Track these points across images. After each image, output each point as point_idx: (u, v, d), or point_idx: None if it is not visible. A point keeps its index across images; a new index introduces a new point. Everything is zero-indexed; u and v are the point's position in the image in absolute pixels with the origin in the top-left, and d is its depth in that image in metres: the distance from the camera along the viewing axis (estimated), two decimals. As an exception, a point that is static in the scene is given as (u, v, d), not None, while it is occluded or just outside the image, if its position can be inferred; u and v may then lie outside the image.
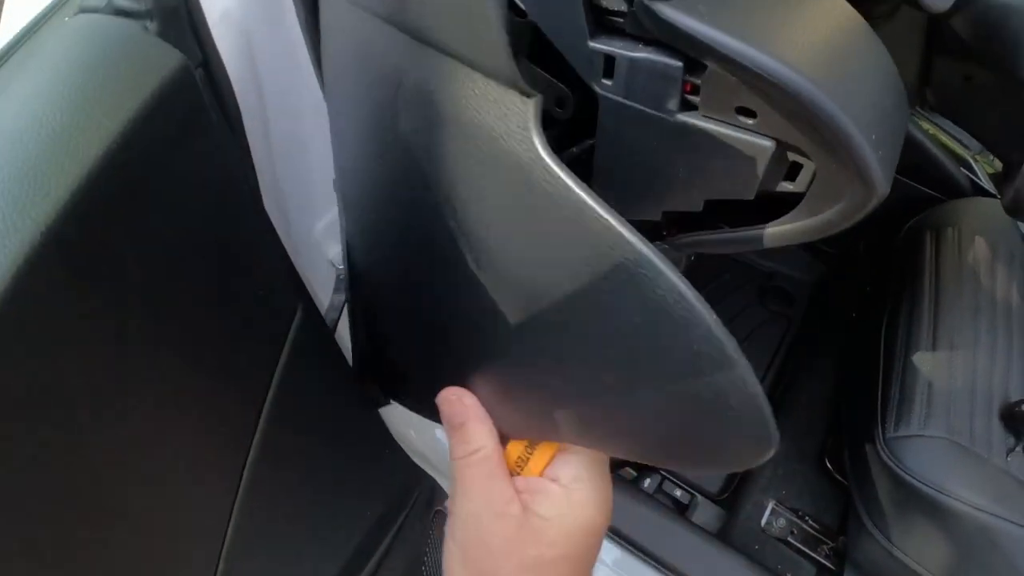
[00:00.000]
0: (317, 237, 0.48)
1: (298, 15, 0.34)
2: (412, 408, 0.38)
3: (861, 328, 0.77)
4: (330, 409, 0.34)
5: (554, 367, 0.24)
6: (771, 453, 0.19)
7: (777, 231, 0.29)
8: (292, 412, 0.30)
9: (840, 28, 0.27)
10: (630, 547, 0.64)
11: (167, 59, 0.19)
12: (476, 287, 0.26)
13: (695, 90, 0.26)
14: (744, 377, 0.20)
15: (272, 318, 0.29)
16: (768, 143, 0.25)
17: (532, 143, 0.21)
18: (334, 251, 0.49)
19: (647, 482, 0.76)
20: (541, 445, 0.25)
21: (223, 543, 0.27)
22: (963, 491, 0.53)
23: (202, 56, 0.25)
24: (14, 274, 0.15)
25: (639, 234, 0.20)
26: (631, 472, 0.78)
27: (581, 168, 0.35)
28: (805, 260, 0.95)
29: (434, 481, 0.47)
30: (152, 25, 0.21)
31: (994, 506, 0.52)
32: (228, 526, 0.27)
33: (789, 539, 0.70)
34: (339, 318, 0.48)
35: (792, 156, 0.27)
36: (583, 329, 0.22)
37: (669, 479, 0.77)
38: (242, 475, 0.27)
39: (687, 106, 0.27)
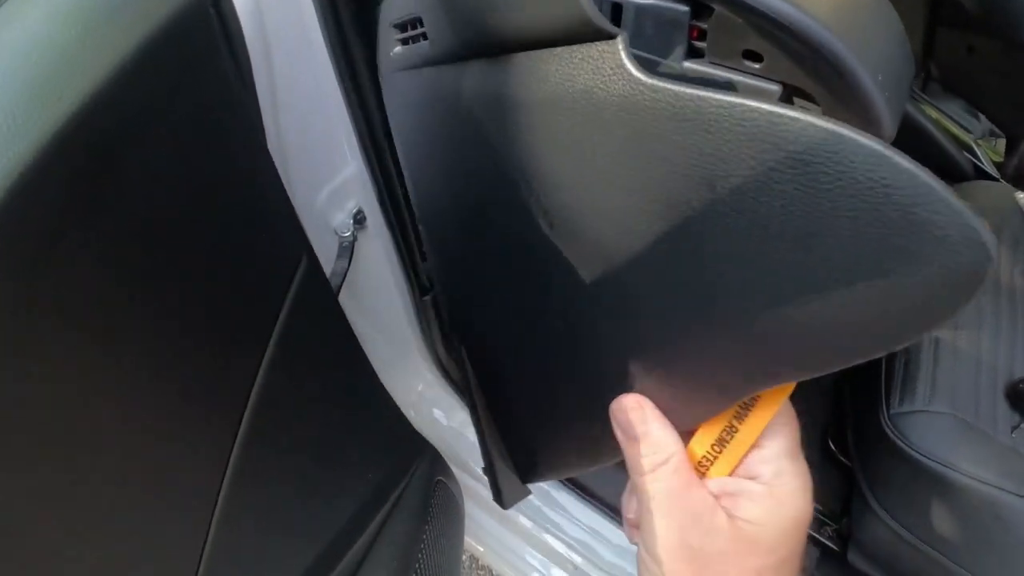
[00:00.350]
0: (321, 206, 0.48)
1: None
2: (555, 476, 0.35)
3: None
4: (329, 368, 0.34)
5: (719, 315, 0.20)
6: (991, 263, 0.15)
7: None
8: (291, 363, 0.29)
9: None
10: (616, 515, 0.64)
11: (182, -9, 0.19)
12: (605, 280, 0.23)
13: (702, 36, 0.26)
14: (937, 189, 0.16)
15: (276, 265, 0.29)
16: (775, 87, 0.26)
17: (631, 74, 0.19)
18: (338, 219, 0.49)
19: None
20: (732, 442, 0.22)
21: (217, 496, 0.27)
22: (969, 466, 0.53)
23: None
24: (19, 174, 0.15)
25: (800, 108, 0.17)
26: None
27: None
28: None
29: (436, 452, 0.47)
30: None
31: (1000, 480, 0.51)
32: (224, 476, 0.26)
33: (793, 521, 0.70)
34: (342, 283, 0.48)
35: (798, 102, 0.27)
36: (754, 243, 0.18)
37: (672, 462, 0.77)
38: (240, 423, 0.27)
39: (694, 53, 0.27)
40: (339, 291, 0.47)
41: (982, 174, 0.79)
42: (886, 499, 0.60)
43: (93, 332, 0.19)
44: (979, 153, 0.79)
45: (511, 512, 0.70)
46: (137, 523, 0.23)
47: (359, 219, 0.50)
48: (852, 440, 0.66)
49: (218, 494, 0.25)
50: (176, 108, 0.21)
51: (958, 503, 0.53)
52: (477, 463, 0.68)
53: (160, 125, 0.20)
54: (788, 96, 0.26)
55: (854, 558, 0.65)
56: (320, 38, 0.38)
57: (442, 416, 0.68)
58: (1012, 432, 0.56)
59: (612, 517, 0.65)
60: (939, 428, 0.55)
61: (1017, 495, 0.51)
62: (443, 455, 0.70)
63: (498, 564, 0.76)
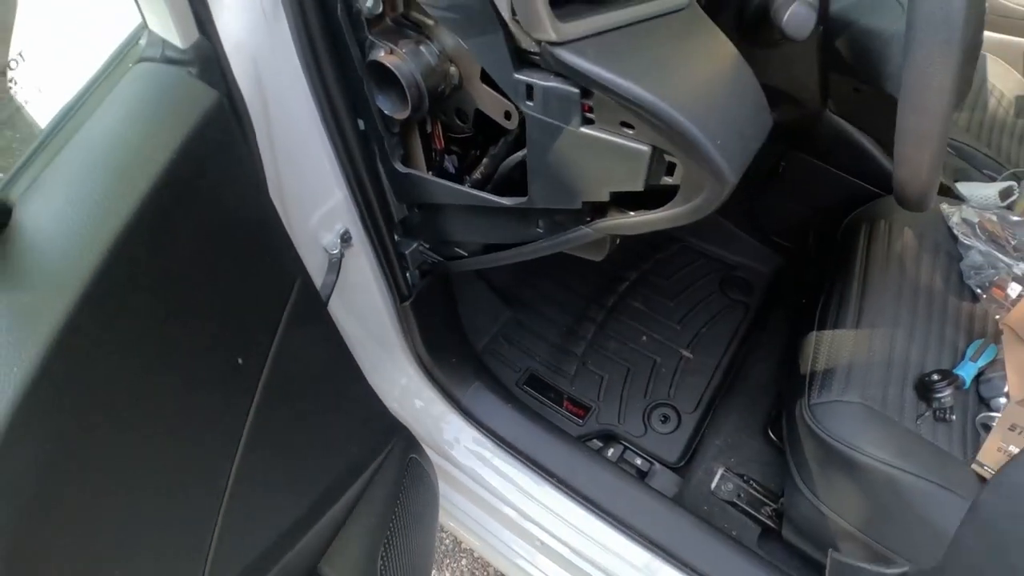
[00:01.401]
0: (313, 227, 0.56)
1: (297, 40, 0.43)
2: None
3: (804, 313, 0.85)
4: (319, 364, 0.42)
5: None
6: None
7: (666, 215, 0.37)
8: (290, 360, 0.38)
9: (701, 59, 0.35)
10: (595, 509, 0.72)
11: (205, 98, 0.27)
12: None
13: (592, 109, 0.34)
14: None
15: (276, 286, 0.37)
16: (645, 148, 0.34)
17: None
18: (327, 239, 0.58)
19: (611, 451, 0.84)
20: None
21: (233, 459, 0.35)
22: (872, 448, 0.61)
23: (226, 87, 0.34)
24: (121, 228, 0.23)
25: None
26: (597, 443, 0.86)
27: (521, 170, 0.43)
28: (764, 252, 1.03)
29: (410, 434, 0.55)
30: (194, 70, 0.29)
31: (897, 460, 0.59)
32: (239, 444, 0.35)
33: (736, 501, 0.78)
34: (331, 293, 0.56)
35: (668, 157, 0.35)
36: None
37: (631, 449, 0.85)
38: (251, 405, 0.35)
39: (588, 121, 0.35)
40: (328, 300, 0.56)
41: (910, 189, 0.87)
42: (808, 479, 0.68)
43: (145, 332, 0.28)
44: (907, 170, 0.87)
45: (489, 497, 0.78)
46: (169, 479, 0.31)
47: (345, 238, 0.58)
48: (784, 427, 0.74)
49: (234, 457, 0.33)
50: (206, 176, 0.29)
51: (864, 481, 0.61)
52: (453, 448, 0.76)
53: (196, 190, 0.28)
54: (660, 154, 0.35)
55: (788, 534, 0.73)
56: (308, 98, 0.46)
57: (422, 405, 0.76)
58: (917, 420, 0.64)
59: (576, 500, 0.73)
60: (849, 415, 0.63)
61: (913, 474, 0.58)
62: (423, 441, 0.78)
63: (478, 545, 0.84)
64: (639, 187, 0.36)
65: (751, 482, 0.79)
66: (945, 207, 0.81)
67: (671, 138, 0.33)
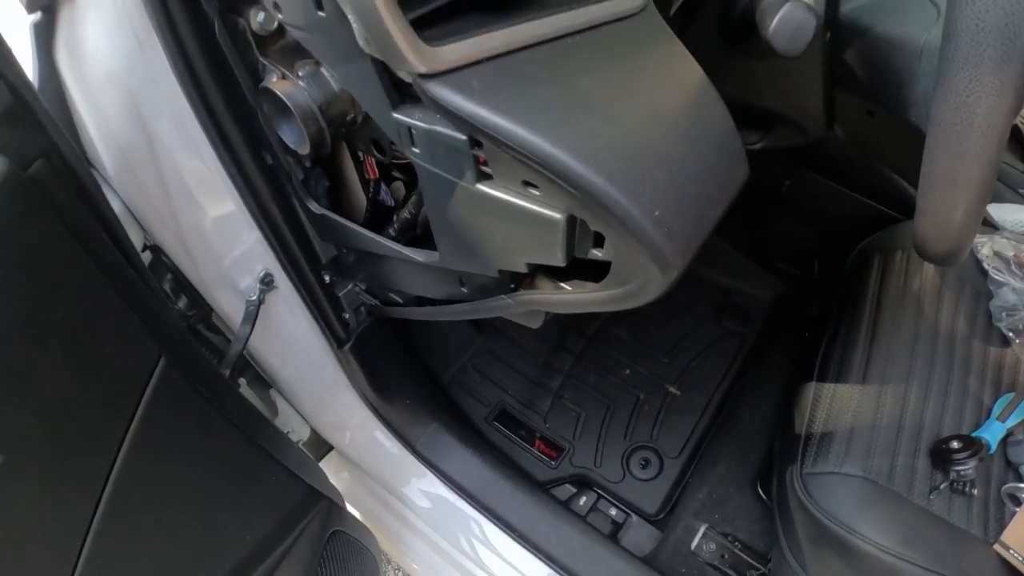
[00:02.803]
0: (225, 271, 0.49)
1: (174, 68, 0.35)
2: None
3: (804, 354, 0.76)
4: (199, 443, 0.36)
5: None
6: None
7: (597, 296, 0.29)
8: (154, 444, 0.31)
9: (644, 89, 0.26)
10: (557, 568, 0.65)
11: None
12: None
13: (487, 162, 0.26)
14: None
15: (126, 368, 0.30)
16: (558, 215, 0.26)
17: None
18: (245, 283, 0.51)
19: (583, 500, 0.77)
20: None
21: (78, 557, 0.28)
22: (872, 532, 0.52)
23: (46, 143, 0.27)
24: None
25: None
26: (570, 489, 0.79)
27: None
28: (764, 278, 0.93)
29: (331, 504, 0.49)
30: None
31: (901, 548, 0.51)
32: (83, 543, 0.28)
33: (718, 564, 0.70)
34: (243, 348, 0.50)
35: (594, 227, 0.27)
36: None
37: (605, 498, 0.77)
38: (100, 498, 0.28)
39: (484, 176, 0.27)
40: (239, 355, 0.49)
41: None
42: (798, 552, 0.59)
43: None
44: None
45: (447, 547, 0.72)
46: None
47: (267, 281, 0.51)
48: (775, 491, 0.65)
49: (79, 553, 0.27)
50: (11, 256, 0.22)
51: (861, 567, 0.53)
52: (408, 491, 0.70)
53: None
54: (578, 222, 0.26)
55: (773, 605, 0.65)
56: (199, 131, 0.39)
57: (375, 448, 0.70)
58: (930, 494, 0.55)
59: (538, 556, 0.66)
60: (847, 491, 0.55)
61: (919, 566, 0.50)
62: (378, 481, 0.72)
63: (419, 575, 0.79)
64: (559, 262, 0.28)
65: (736, 542, 0.71)
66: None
67: (587, 207, 0.24)
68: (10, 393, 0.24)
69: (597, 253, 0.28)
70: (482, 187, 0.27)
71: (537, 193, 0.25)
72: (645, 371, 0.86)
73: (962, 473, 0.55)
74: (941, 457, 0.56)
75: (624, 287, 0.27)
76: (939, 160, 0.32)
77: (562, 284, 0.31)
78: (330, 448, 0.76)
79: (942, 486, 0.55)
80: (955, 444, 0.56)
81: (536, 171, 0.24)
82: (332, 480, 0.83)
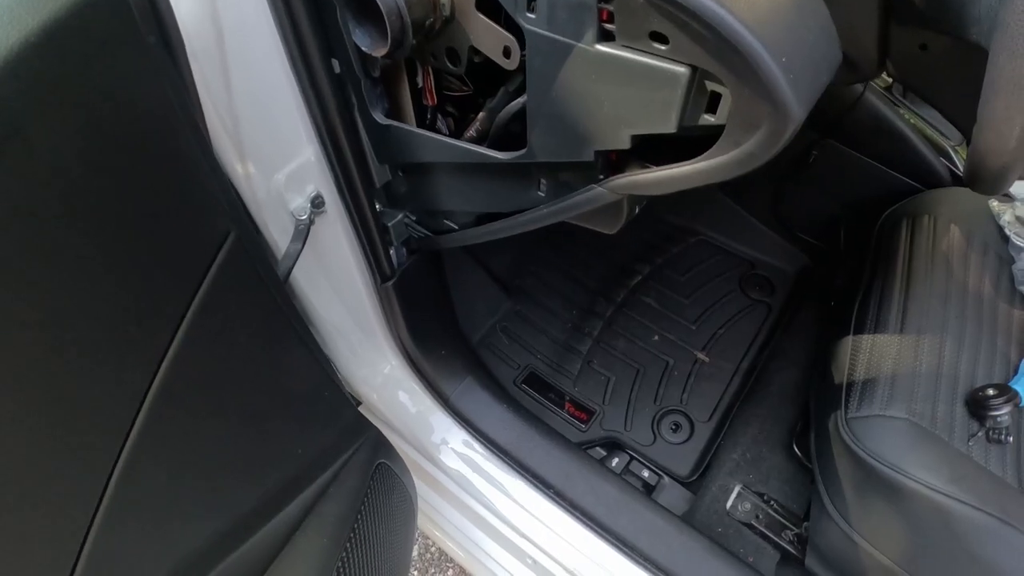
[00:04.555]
0: (278, 187, 0.48)
1: None
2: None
3: (836, 316, 0.77)
4: (259, 342, 0.35)
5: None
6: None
7: (704, 166, 0.29)
8: (214, 332, 0.30)
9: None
10: (593, 525, 0.64)
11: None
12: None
13: (611, 18, 0.27)
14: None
15: (196, 240, 0.29)
16: (682, 69, 0.26)
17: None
18: (296, 203, 0.50)
19: (615, 462, 0.76)
20: None
21: (119, 454, 0.26)
22: (920, 472, 0.52)
23: None
24: None
25: None
26: (600, 451, 0.78)
27: (521, 122, 0.36)
28: (789, 250, 0.94)
29: (380, 435, 0.47)
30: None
31: (950, 487, 0.51)
32: (129, 433, 0.27)
33: (753, 523, 0.69)
34: (293, 265, 0.49)
35: (711, 86, 0.27)
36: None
37: (637, 459, 0.76)
38: (152, 382, 0.27)
39: (606, 36, 0.27)
40: (289, 272, 0.48)
41: (959, 180, 0.78)
42: (841, 503, 0.59)
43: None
44: (956, 159, 0.79)
45: (476, 506, 0.70)
46: (41, 462, 0.24)
47: (317, 203, 0.50)
48: (813, 443, 0.65)
49: (119, 452, 0.26)
50: (86, 83, 0.21)
51: (908, 509, 0.53)
52: (438, 449, 0.69)
53: (67, 97, 0.21)
54: (700, 81, 0.27)
55: (811, 563, 0.65)
56: (272, 31, 0.39)
57: (406, 399, 0.68)
58: (969, 441, 0.55)
59: (573, 514, 0.65)
60: (893, 433, 0.55)
61: (966, 504, 0.50)
62: (405, 438, 0.70)
63: (463, 557, 0.76)
64: (671, 127, 0.28)
65: (771, 502, 0.71)
66: (995, 204, 0.72)
67: (721, 54, 0.25)
68: (79, 232, 0.23)
69: (709, 118, 0.28)
70: (602, 47, 0.27)
71: (662, 48, 0.26)
72: (673, 337, 0.86)
73: (998, 420, 0.56)
74: (978, 404, 0.57)
75: (737, 148, 0.27)
76: (1004, 65, 0.33)
77: (655, 167, 0.32)
78: (358, 404, 0.74)
79: (979, 433, 0.56)
80: (991, 391, 0.57)
81: (670, 15, 0.24)
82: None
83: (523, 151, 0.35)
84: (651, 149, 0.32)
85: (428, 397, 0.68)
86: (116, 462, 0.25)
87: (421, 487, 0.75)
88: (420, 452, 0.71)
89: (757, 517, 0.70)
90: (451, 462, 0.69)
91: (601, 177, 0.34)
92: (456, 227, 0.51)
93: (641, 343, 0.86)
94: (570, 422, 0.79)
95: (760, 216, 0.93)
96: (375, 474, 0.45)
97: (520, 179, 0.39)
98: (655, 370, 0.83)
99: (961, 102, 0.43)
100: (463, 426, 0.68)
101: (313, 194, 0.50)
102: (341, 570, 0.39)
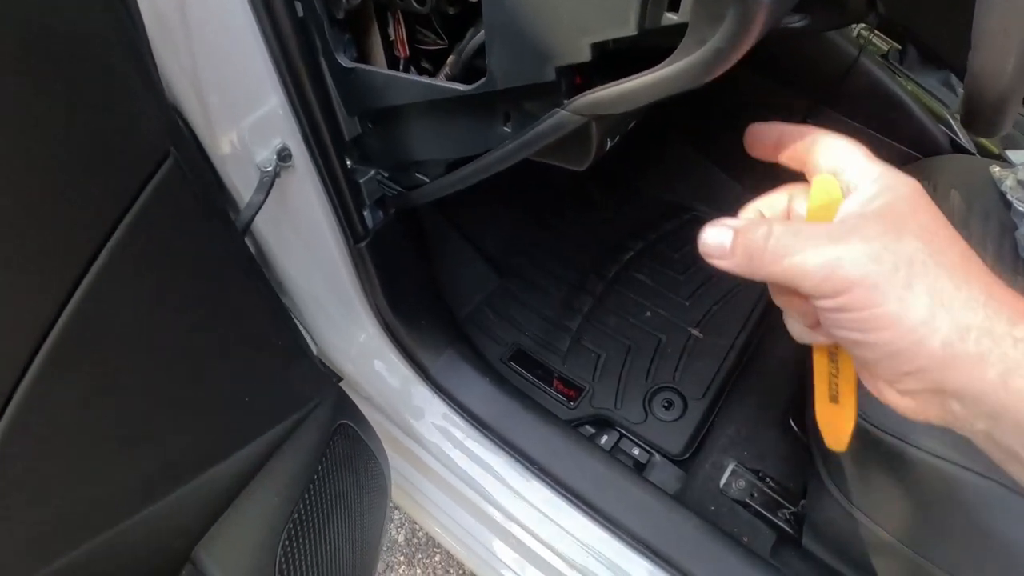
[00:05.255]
0: (242, 138, 0.47)
1: None
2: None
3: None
4: (202, 280, 0.32)
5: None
6: None
7: (669, 72, 0.27)
8: (143, 263, 0.27)
9: None
10: (580, 504, 0.61)
11: None
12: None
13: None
14: None
15: (130, 157, 0.27)
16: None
17: None
18: (262, 156, 0.48)
19: (604, 439, 0.73)
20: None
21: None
22: (925, 439, 0.49)
23: None
24: None
25: None
26: (589, 429, 0.75)
27: (483, 54, 0.34)
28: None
29: (342, 394, 0.45)
30: None
31: (956, 454, 0.48)
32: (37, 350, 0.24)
33: (748, 501, 0.66)
34: (254, 215, 0.47)
35: (670, -21, 0.25)
36: None
37: (627, 437, 0.74)
38: (63, 309, 0.24)
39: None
40: (248, 224, 0.46)
41: (958, 148, 0.75)
42: (840, 478, 0.56)
43: None
44: (956, 127, 0.76)
45: (458, 484, 0.67)
46: None
47: (283, 156, 0.48)
48: (810, 416, 0.62)
49: (25, 369, 0.23)
50: None
51: (913, 480, 0.50)
52: (418, 422, 0.66)
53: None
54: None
55: (809, 542, 0.61)
56: None
57: (384, 368, 0.66)
58: (975, 407, 0.52)
59: (562, 494, 0.62)
60: (893, 398, 0.52)
61: (973, 471, 0.47)
62: (384, 412, 0.68)
63: (447, 539, 0.74)
64: (631, 29, 0.26)
65: (767, 479, 0.67)
66: (996, 169, 0.69)
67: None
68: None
69: (672, 16, 0.26)
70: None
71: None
72: (666, 314, 0.83)
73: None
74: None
75: (703, 48, 0.25)
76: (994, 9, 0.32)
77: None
78: (338, 380, 0.72)
79: (987, 401, 0.53)
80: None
81: None
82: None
83: (484, 79, 0.34)
84: (616, 70, 0.30)
85: (407, 368, 0.65)
86: (20, 378, 0.23)
87: (403, 465, 0.72)
88: (400, 426, 0.68)
89: (752, 495, 0.67)
90: (432, 437, 0.66)
91: (565, 102, 0.32)
92: (427, 180, 0.49)
93: (633, 320, 0.83)
94: (558, 399, 0.76)
95: (757, 190, 0.90)
96: (336, 434, 0.43)
97: (486, 115, 0.37)
98: (647, 347, 0.81)
99: (946, 33, 0.41)
100: (444, 400, 0.66)
101: (279, 146, 0.48)
102: (293, 532, 0.37)
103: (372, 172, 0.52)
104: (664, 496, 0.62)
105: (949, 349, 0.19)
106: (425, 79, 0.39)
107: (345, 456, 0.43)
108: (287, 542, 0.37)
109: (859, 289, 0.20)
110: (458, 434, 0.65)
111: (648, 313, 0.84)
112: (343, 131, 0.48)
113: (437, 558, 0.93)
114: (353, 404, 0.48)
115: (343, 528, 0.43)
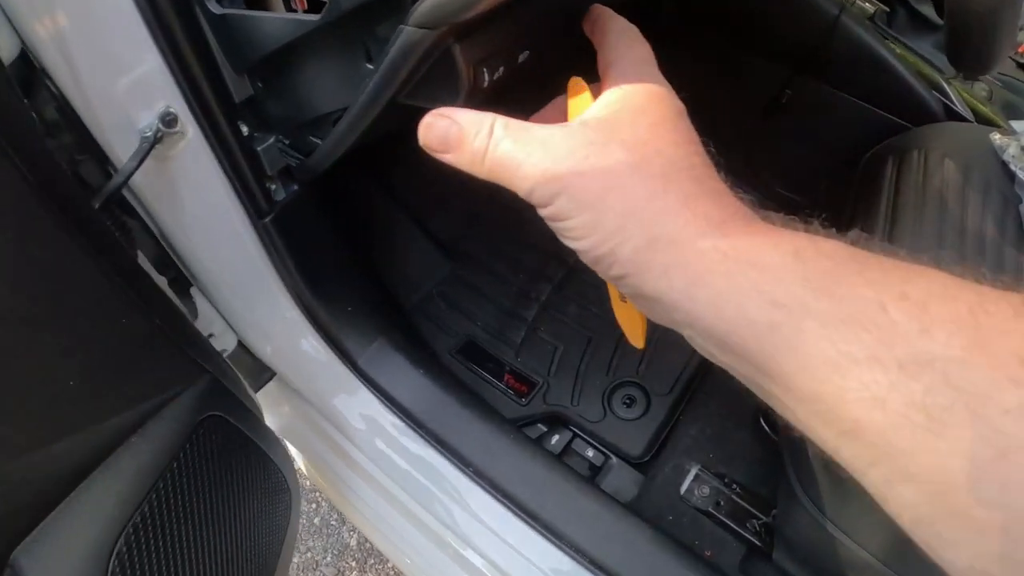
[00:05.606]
0: (120, 100, 0.41)
1: None
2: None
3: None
4: (30, 258, 0.27)
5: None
6: None
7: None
8: None
9: None
10: (518, 511, 0.54)
11: None
12: None
13: None
14: None
15: None
16: None
17: None
18: (145, 120, 0.43)
19: (555, 439, 0.66)
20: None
21: None
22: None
23: None
24: None
25: None
26: (540, 428, 0.68)
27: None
28: (764, 207, 0.84)
29: (216, 383, 0.39)
30: None
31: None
32: None
33: (713, 511, 0.59)
34: (121, 185, 0.42)
35: None
36: None
37: (581, 437, 0.67)
38: None
39: None
40: (114, 193, 0.41)
41: (954, 116, 0.68)
42: (812, 488, 0.49)
43: None
44: (950, 92, 0.69)
45: (391, 485, 0.61)
46: None
47: (168, 121, 0.43)
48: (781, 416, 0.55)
49: None
50: None
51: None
52: (344, 413, 0.60)
53: None
54: None
55: (780, 556, 0.54)
56: None
57: (309, 363, 0.60)
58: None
59: (503, 503, 0.55)
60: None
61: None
62: (310, 401, 0.62)
63: (382, 544, 0.67)
64: None
65: (734, 486, 0.60)
66: (997, 136, 0.62)
67: None
68: None
69: None
70: None
71: None
72: (631, 304, 0.77)
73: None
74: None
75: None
76: None
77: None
78: (271, 376, 0.67)
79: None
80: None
81: None
82: (271, 415, 0.73)
83: (329, 3, 0.28)
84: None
85: (332, 356, 0.60)
86: None
87: (336, 462, 0.66)
88: (327, 419, 0.63)
89: (718, 504, 0.59)
90: (360, 432, 0.61)
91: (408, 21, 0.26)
92: (320, 142, 0.43)
93: (595, 308, 0.77)
94: (508, 395, 0.70)
95: (732, 170, 0.83)
96: (202, 428, 0.37)
97: (349, 53, 0.32)
98: (609, 338, 0.74)
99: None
100: (373, 392, 0.60)
101: (163, 110, 0.43)
102: (133, 536, 0.31)
103: (271, 139, 0.47)
104: (614, 505, 0.55)
105: (639, 256, 0.19)
106: (283, 15, 0.34)
107: (215, 452, 0.38)
108: (124, 548, 0.31)
109: (561, 198, 0.20)
110: (388, 429, 0.59)
111: (612, 302, 0.77)
112: (231, 92, 0.43)
113: (391, 563, 0.86)
114: (232, 395, 0.42)
115: (216, 534, 0.37)
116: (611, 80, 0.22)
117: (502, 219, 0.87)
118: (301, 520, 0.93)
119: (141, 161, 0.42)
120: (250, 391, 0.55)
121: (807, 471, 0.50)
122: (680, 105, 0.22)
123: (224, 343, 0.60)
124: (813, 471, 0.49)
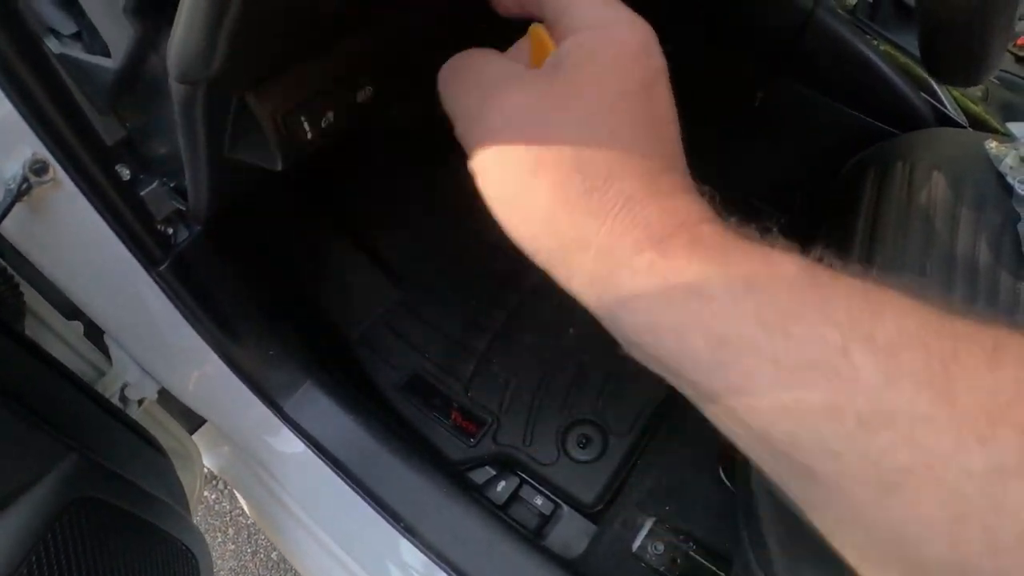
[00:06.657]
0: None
1: None
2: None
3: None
4: None
5: None
6: None
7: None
8: None
9: None
10: (449, 570, 0.50)
11: None
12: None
13: None
14: None
15: None
16: None
17: None
18: (11, 170, 0.39)
19: (501, 486, 0.62)
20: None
21: None
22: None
23: None
24: None
25: None
26: (489, 471, 0.64)
27: None
28: (739, 221, 0.77)
29: (85, 462, 0.36)
30: None
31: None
32: None
33: (666, 571, 0.53)
34: None
35: None
36: None
37: (530, 484, 0.62)
38: None
39: None
40: None
41: (945, 121, 0.60)
42: (763, 548, 0.43)
43: None
44: (941, 95, 0.61)
45: (324, 537, 0.58)
46: None
47: (38, 170, 0.39)
48: (736, 468, 0.49)
49: None
50: None
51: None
52: (277, 466, 0.57)
53: None
54: None
55: (739, 627, 0.48)
56: None
57: (233, 411, 0.57)
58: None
59: (436, 562, 0.51)
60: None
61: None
62: (239, 444, 0.58)
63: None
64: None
65: (691, 542, 0.54)
66: (993, 145, 0.54)
67: None
68: None
69: None
70: None
71: None
72: (592, 330, 0.71)
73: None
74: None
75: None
76: None
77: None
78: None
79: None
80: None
81: None
82: (209, 456, 0.70)
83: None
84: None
85: (257, 404, 0.56)
86: None
87: (274, 509, 0.63)
88: (262, 469, 0.59)
89: (674, 561, 0.54)
90: (291, 479, 0.57)
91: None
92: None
93: (552, 339, 0.71)
94: (455, 435, 0.65)
95: (703, 180, 0.76)
96: (66, 515, 0.33)
97: (161, 99, 0.27)
98: (566, 371, 0.68)
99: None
100: (301, 439, 0.56)
101: (29, 158, 0.39)
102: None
103: (155, 183, 0.42)
104: (552, 566, 0.50)
105: (557, 258, 0.18)
106: (91, 57, 0.29)
107: (87, 536, 0.34)
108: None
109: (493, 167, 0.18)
110: (316, 476, 0.55)
111: (571, 329, 0.71)
112: (100, 134, 0.39)
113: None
114: (111, 473, 0.38)
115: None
116: (574, 24, 0.19)
117: (454, 239, 0.82)
118: (259, 555, 0.91)
119: (4, 214, 0.38)
120: (163, 443, 0.52)
121: (760, 539, 0.44)
122: (660, 63, 0.19)
123: (143, 391, 0.57)
124: (761, 525, 0.43)
